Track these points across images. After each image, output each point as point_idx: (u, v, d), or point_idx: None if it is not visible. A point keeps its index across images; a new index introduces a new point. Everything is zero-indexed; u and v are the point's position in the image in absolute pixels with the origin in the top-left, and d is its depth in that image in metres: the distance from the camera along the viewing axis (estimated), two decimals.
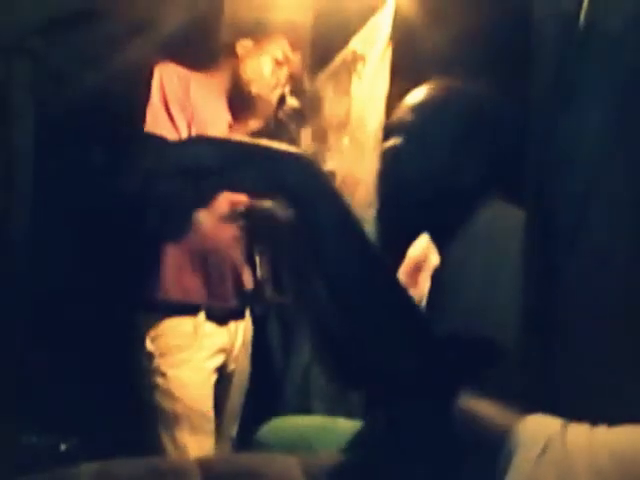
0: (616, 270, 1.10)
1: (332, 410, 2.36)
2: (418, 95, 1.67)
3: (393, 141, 1.67)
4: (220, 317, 2.39)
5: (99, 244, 2.61)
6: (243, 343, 2.49)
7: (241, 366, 2.50)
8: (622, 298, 1.08)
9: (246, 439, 2.23)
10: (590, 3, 1.17)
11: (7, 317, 2.36)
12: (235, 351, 2.46)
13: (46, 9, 2.51)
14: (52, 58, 2.58)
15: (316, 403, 2.47)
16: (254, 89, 2.40)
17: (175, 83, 2.34)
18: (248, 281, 2.46)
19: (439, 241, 1.64)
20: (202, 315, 2.35)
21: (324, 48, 2.64)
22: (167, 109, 2.30)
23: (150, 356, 2.31)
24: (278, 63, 2.43)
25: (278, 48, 2.43)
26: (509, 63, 1.54)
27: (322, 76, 2.71)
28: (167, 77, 2.33)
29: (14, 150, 2.50)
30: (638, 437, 0.75)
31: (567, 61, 1.21)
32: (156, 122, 2.27)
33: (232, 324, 2.44)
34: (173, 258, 2.33)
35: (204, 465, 1.27)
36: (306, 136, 2.72)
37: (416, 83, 2.00)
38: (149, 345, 2.31)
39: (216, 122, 2.39)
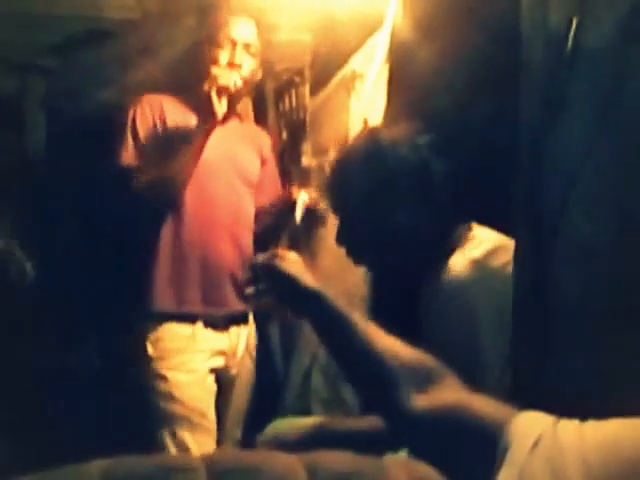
0: (600, 274, 1.13)
1: (330, 413, 2.37)
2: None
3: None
4: (219, 322, 2.40)
5: (102, 253, 2.61)
6: (247, 348, 2.49)
7: (244, 370, 2.50)
8: (606, 300, 1.10)
9: (249, 440, 2.24)
10: (577, 22, 1.20)
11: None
12: (238, 355, 2.46)
13: (59, 29, 2.53)
14: (64, 75, 2.60)
15: (315, 406, 2.47)
16: (208, 87, 2.37)
17: (147, 113, 2.38)
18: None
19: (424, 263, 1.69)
20: (200, 322, 2.36)
21: (324, 67, 2.67)
22: (138, 142, 2.36)
23: (150, 360, 2.33)
24: (230, 65, 2.42)
25: (233, 51, 2.42)
26: (500, 81, 1.57)
27: (322, 94, 2.74)
28: (140, 110, 2.39)
29: (27, 161, 2.52)
30: (623, 430, 0.77)
31: (555, 79, 1.23)
32: (128, 155, 2.34)
33: (233, 328, 2.45)
34: (168, 270, 2.35)
35: (209, 461, 1.28)
36: (307, 152, 2.74)
37: (411, 99, 2.04)
38: (149, 349, 2.33)
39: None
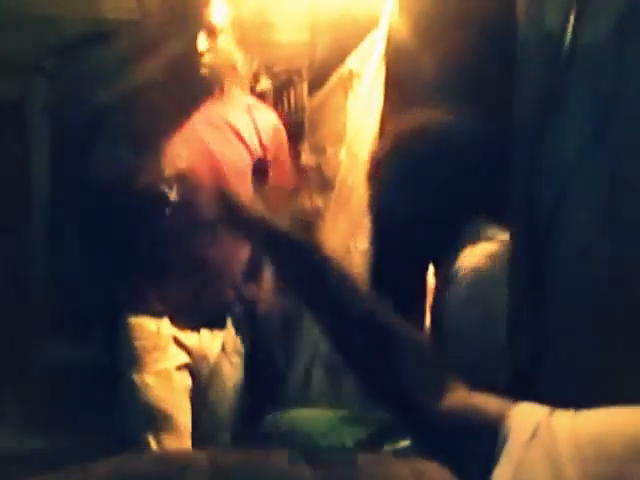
0: (597, 273, 1.12)
1: (332, 406, 2.36)
2: (407, 127, 1.71)
3: (384, 170, 1.71)
4: (188, 322, 2.34)
5: (97, 250, 2.60)
6: (225, 352, 2.42)
7: (225, 375, 2.42)
8: (604, 297, 1.10)
9: (249, 434, 2.24)
10: (573, 23, 1.19)
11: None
12: (211, 359, 2.39)
13: (61, 31, 2.52)
14: (66, 77, 2.58)
15: (317, 399, 2.47)
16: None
17: None
18: (228, 290, 2.41)
19: (430, 256, 1.69)
20: (165, 319, 2.31)
21: (321, 67, 2.66)
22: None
23: (120, 360, 2.31)
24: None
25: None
26: (496, 80, 1.56)
27: (320, 93, 2.73)
28: None
29: (30, 163, 2.51)
30: (616, 419, 0.77)
31: (550, 79, 1.22)
32: None
33: (205, 331, 2.37)
34: (139, 264, 2.35)
35: (214, 458, 1.28)
36: (305, 151, 2.73)
37: (408, 98, 2.03)
38: (121, 347, 2.31)
39: None
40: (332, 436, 1.77)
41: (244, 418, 2.46)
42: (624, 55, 1.09)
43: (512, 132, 1.35)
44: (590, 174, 1.16)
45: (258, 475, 1.22)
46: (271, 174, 2.46)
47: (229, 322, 2.43)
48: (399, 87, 2.21)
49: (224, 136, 2.43)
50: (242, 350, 2.47)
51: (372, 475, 1.26)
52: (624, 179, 1.08)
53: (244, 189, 2.39)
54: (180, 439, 2.27)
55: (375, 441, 1.62)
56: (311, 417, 1.99)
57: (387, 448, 1.63)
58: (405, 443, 1.63)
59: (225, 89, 2.45)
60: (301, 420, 1.96)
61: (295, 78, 2.79)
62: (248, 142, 2.43)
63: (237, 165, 2.41)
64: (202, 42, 2.35)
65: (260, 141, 2.45)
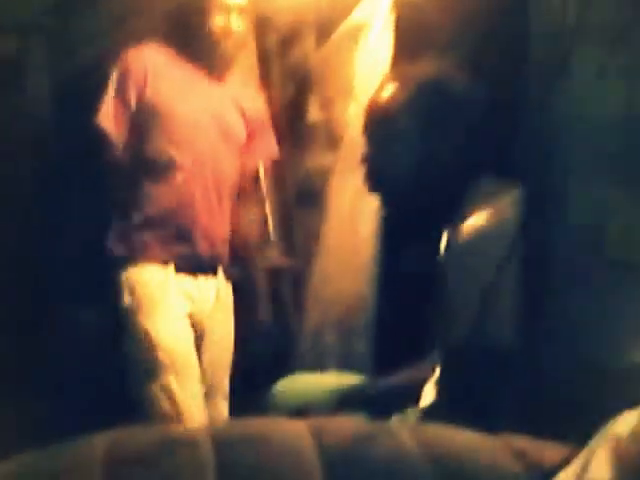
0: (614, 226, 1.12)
1: (343, 367, 2.34)
2: (416, 79, 1.66)
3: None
4: (187, 270, 2.39)
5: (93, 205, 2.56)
6: (218, 301, 2.46)
7: (219, 326, 2.47)
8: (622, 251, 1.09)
9: (260, 396, 2.22)
10: None
11: None
12: (207, 309, 2.44)
13: None
14: (65, 33, 2.55)
15: (328, 361, 2.45)
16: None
17: (136, 73, 2.37)
18: (222, 243, 2.47)
19: (440, 218, 1.65)
20: (168, 266, 2.35)
21: (328, 19, 2.59)
22: (122, 106, 2.35)
23: (127, 309, 2.31)
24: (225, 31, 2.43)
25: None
26: (506, 35, 1.50)
27: (327, 46, 2.66)
28: (127, 69, 2.37)
29: (31, 122, 2.49)
30: None
31: (564, 33, 1.17)
32: (107, 116, 2.34)
33: (202, 278, 2.43)
34: (138, 217, 2.37)
35: (215, 433, 1.24)
36: (313, 105, 2.67)
37: (417, 49, 1.96)
38: (126, 298, 2.32)
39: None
40: (336, 403, 1.74)
41: (246, 382, 2.45)
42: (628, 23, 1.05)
43: (524, 87, 1.30)
44: (605, 128, 1.13)
45: (260, 452, 1.18)
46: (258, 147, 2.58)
47: (220, 272, 2.48)
48: (408, 38, 2.15)
49: (231, 108, 2.51)
50: (231, 301, 2.52)
51: (378, 444, 1.22)
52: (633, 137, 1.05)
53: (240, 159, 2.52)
54: (195, 383, 2.32)
55: (383, 410, 1.59)
56: (317, 382, 1.96)
57: (395, 418, 1.61)
58: (414, 412, 1.60)
59: (234, 64, 2.53)
60: (306, 385, 1.94)
61: (302, 30, 2.71)
62: (247, 117, 2.53)
63: (240, 138, 2.51)
64: (235, 21, 2.40)
65: (252, 119, 2.55)
